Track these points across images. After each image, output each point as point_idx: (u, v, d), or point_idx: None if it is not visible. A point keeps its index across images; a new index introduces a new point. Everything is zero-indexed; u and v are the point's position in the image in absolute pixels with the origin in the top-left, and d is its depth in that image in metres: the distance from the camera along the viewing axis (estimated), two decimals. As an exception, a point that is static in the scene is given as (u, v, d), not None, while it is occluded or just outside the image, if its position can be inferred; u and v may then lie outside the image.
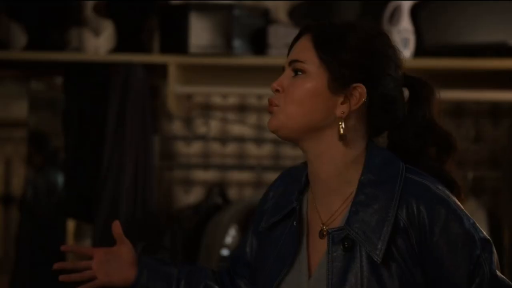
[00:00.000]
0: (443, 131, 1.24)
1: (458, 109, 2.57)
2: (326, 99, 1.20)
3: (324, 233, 1.21)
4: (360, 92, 1.20)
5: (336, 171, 1.22)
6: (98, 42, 2.72)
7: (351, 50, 1.20)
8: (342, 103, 1.20)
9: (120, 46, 2.56)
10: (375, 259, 1.15)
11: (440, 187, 1.19)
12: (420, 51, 2.35)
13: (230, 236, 2.37)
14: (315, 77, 1.21)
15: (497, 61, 2.28)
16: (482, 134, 2.55)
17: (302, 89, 1.20)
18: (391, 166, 1.21)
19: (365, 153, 1.22)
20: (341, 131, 1.20)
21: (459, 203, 1.20)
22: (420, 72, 2.40)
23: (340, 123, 1.20)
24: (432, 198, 1.17)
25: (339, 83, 1.20)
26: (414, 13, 2.35)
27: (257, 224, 1.32)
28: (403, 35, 2.32)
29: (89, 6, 2.70)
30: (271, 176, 2.58)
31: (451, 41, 2.33)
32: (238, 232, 2.36)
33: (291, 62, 1.23)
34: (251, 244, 1.34)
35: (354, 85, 1.20)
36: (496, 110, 2.55)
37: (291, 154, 2.62)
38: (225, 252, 2.37)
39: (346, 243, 1.18)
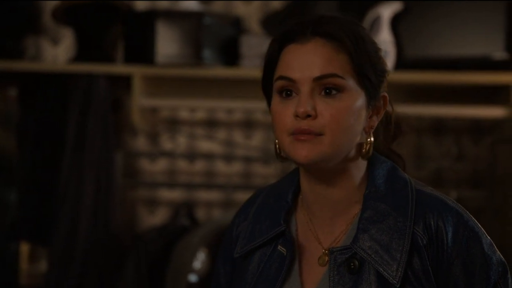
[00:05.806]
0: (396, 120, 1.21)
1: (439, 126, 2.50)
2: (364, 118, 1.08)
3: (326, 259, 1.08)
4: (384, 102, 1.10)
5: (348, 191, 1.09)
6: (57, 51, 2.63)
7: (377, 56, 1.09)
8: (370, 117, 1.09)
9: (81, 55, 2.44)
10: (392, 282, 1.03)
11: (454, 201, 1.10)
12: (401, 64, 2.28)
13: (199, 261, 2.23)
14: (356, 95, 1.06)
15: (479, 75, 2.21)
16: (464, 151, 2.48)
17: (349, 113, 1.05)
18: (397, 177, 1.10)
19: (369, 166, 1.11)
20: (368, 148, 1.09)
21: (475, 219, 1.10)
22: (401, 85, 2.34)
23: (369, 139, 1.08)
24: (450, 214, 1.07)
25: (373, 96, 1.09)
26: (395, 24, 2.28)
27: (229, 251, 1.19)
28: (382, 47, 2.24)
29: (47, 12, 2.58)
30: (242, 196, 2.50)
31: (433, 54, 2.27)
32: (208, 257, 2.23)
33: (321, 78, 1.05)
34: (225, 274, 1.20)
35: (381, 95, 1.10)
36: (477, 126, 2.49)
37: (262, 172, 2.52)
38: (193, 278, 2.23)
39: (352, 264, 1.05)
